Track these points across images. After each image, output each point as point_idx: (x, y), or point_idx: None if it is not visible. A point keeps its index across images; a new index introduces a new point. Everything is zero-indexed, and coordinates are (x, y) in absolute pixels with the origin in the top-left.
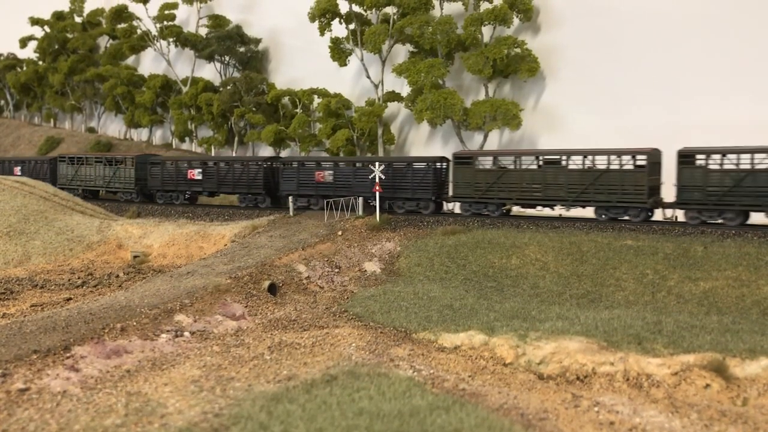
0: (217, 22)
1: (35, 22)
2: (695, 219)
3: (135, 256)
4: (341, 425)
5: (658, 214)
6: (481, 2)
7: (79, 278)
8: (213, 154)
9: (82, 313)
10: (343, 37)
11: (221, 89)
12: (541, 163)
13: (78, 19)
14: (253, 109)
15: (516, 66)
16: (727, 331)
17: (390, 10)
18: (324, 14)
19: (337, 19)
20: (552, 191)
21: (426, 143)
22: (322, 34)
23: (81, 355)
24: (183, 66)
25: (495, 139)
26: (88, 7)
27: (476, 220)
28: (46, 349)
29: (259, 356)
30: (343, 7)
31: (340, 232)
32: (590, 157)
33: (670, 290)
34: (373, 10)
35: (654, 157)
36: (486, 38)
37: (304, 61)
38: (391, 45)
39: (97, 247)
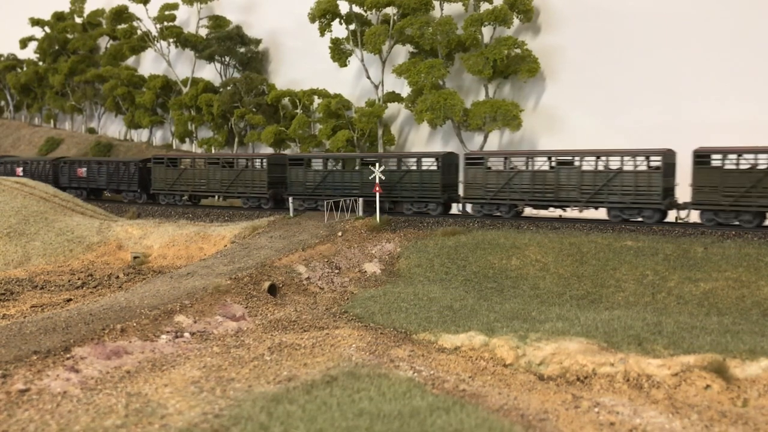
0: (218, 22)
1: (35, 22)
2: (478, 211)
3: (135, 257)
4: (341, 426)
5: None
6: (481, 3)
7: (79, 279)
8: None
9: (82, 314)
10: (343, 38)
11: (221, 90)
12: None
13: (78, 20)
14: (254, 109)
15: (516, 67)
16: (727, 332)
17: (390, 10)
18: (324, 15)
19: (337, 20)
20: None
21: (426, 144)
22: (322, 34)
23: (81, 356)
24: (183, 67)
25: (495, 140)
26: (89, 8)
27: (476, 221)
28: (46, 350)
29: (259, 357)
30: (343, 8)
31: (340, 233)
32: None
33: (670, 291)
34: (374, 10)
35: None
36: (486, 39)
37: (304, 61)
38: (391, 46)
39: (97, 248)
